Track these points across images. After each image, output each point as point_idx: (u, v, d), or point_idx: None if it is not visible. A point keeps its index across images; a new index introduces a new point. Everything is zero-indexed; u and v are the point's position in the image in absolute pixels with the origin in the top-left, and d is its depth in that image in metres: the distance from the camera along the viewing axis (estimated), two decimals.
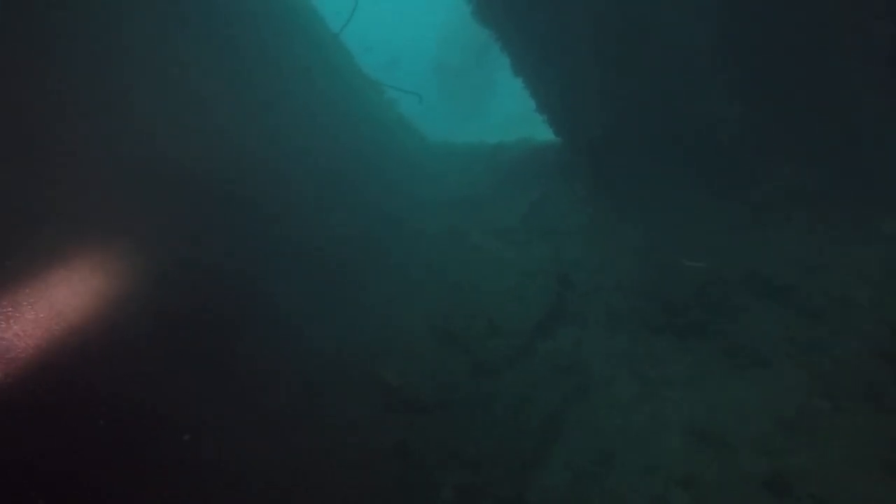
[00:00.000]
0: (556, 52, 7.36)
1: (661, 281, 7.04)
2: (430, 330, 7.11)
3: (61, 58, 4.87)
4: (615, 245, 7.70)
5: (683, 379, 6.29)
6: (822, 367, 5.89)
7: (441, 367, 6.67)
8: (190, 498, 4.57)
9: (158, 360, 4.67)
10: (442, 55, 24.41)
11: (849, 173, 6.78)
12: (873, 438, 5.23)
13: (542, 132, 9.93)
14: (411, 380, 6.43)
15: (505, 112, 23.36)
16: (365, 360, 6.48)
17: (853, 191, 6.77)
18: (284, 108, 7.79)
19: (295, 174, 7.29)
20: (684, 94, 6.86)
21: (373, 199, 8.57)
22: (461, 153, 10.65)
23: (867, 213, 6.68)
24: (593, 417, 6.22)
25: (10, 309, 3.95)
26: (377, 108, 10.17)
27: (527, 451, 5.91)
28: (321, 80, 8.73)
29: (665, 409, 6.10)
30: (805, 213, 6.85)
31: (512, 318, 7.22)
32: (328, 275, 6.89)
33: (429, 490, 5.49)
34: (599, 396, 6.39)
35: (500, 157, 10.00)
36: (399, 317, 7.26)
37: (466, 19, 8.62)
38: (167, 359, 4.72)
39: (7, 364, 3.81)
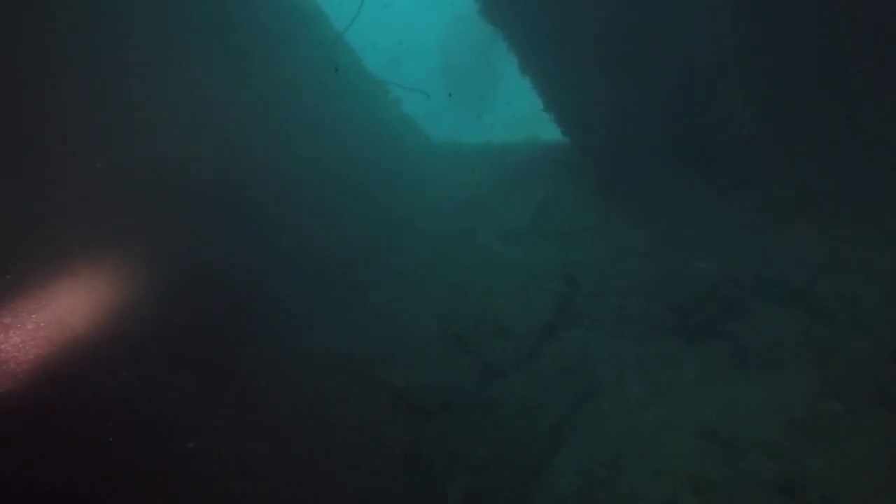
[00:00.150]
0: (563, 50, 7.31)
1: (670, 282, 6.98)
2: (436, 332, 7.08)
3: (69, 67, 4.87)
4: (623, 246, 7.64)
5: (693, 381, 6.24)
6: (834, 368, 5.82)
7: (447, 370, 6.64)
8: (196, 502, 4.56)
9: (163, 365, 4.66)
10: (446, 55, 24.37)
11: (859, 172, 6.70)
12: (886, 440, 5.17)
13: (548, 133, 9.89)
14: (417, 382, 6.40)
15: (510, 112, 23.31)
16: (371, 363, 6.46)
17: (864, 190, 6.69)
18: (288, 108, 7.77)
19: (299, 175, 7.28)
20: (693, 93, 6.80)
21: (378, 200, 8.55)
22: (466, 153, 10.60)
23: (878, 212, 6.60)
24: (602, 420, 6.17)
25: (10, 317, 3.94)
26: (382, 108, 10.14)
27: (535, 455, 5.88)
28: (325, 79, 8.70)
29: (674, 411, 6.05)
30: (815, 212, 6.77)
31: (519, 319, 7.18)
32: (333, 276, 6.87)
33: (436, 494, 5.46)
34: (608, 399, 6.35)
35: (506, 157, 9.95)
36: (405, 319, 7.23)
37: (471, 18, 8.56)
38: (172, 364, 4.71)
39: (9, 371, 3.80)
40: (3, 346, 3.84)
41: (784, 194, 7.05)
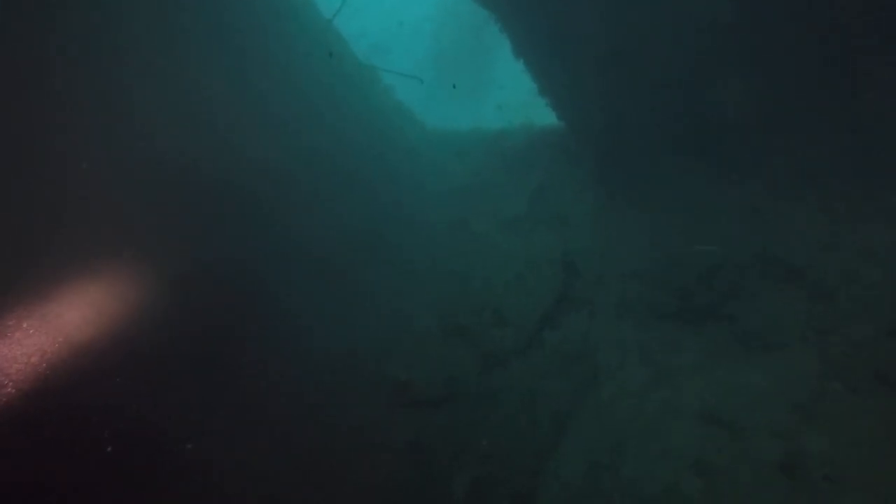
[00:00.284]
0: (558, 32, 7.16)
1: (670, 266, 6.95)
2: (436, 324, 7.04)
3: (69, 75, 4.73)
4: (622, 231, 7.60)
5: (695, 364, 6.24)
6: (835, 348, 5.83)
7: (449, 361, 6.62)
8: (201, 497, 4.54)
9: (162, 365, 4.60)
10: (437, 41, 23.99)
11: (858, 152, 6.65)
12: (887, 419, 5.20)
13: (542, 119, 9.76)
14: (419, 375, 6.38)
15: (503, 98, 23.05)
16: (371, 357, 6.43)
17: (862, 170, 6.65)
18: (279, 99, 7.61)
19: (291, 168, 7.14)
20: (692, 74, 6.69)
21: (374, 191, 8.44)
22: (461, 140, 10.47)
23: (877, 191, 6.57)
24: (604, 406, 6.18)
25: (5, 321, 3.87)
26: (375, 96, 9.97)
27: (538, 443, 5.89)
28: (318, 68, 8.53)
29: (677, 395, 6.06)
30: (814, 193, 6.73)
31: (519, 308, 7.15)
32: (330, 271, 6.80)
33: (441, 486, 5.47)
34: (610, 385, 6.36)
35: (501, 143, 9.83)
36: (405, 311, 7.18)
37: (462, 3, 8.36)
38: (171, 363, 4.65)
39: (5, 374, 3.74)
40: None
41: (783, 175, 7.00)
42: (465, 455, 5.73)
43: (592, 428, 6.06)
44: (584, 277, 7.39)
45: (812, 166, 6.83)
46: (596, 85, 7.46)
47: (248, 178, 6.28)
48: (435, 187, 9.46)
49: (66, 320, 4.14)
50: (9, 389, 3.70)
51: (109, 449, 4.00)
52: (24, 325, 3.93)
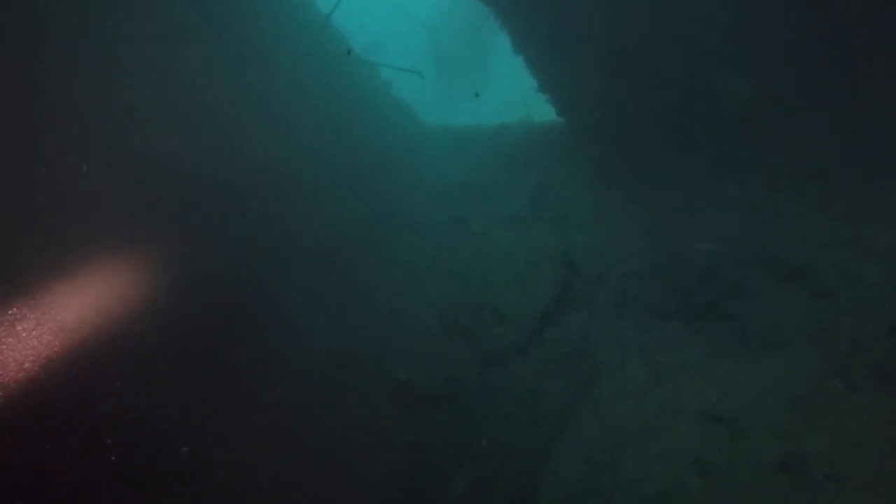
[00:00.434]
0: (558, 29, 7.11)
1: (670, 264, 6.92)
2: (437, 322, 6.99)
3: (66, 66, 4.66)
4: (622, 228, 7.56)
5: (695, 363, 6.22)
6: (836, 347, 5.81)
7: (448, 360, 6.58)
8: (200, 497, 4.49)
9: (160, 364, 4.54)
10: (434, 38, 23.88)
11: (859, 150, 6.62)
12: (888, 418, 5.18)
13: (541, 116, 9.71)
14: (418, 374, 6.33)
15: (501, 97, 23.01)
16: (371, 356, 6.38)
17: (864, 168, 6.62)
18: (278, 96, 7.52)
19: (292, 166, 7.07)
20: (693, 70, 6.65)
21: (372, 188, 8.38)
22: (460, 137, 10.41)
23: (878, 189, 6.55)
24: (604, 405, 6.16)
25: (9, 317, 3.80)
26: (373, 92, 9.89)
27: (538, 442, 5.86)
28: (316, 65, 8.45)
29: (677, 394, 6.04)
30: (817, 190, 6.70)
31: (519, 306, 7.12)
32: (331, 269, 6.74)
33: (441, 485, 5.43)
34: (610, 384, 6.33)
35: (501, 139, 9.77)
36: (405, 310, 7.13)
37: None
38: (169, 363, 4.59)
39: (7, 373, 3.67)
40: None
41: (783, 174, 6.97)
42: (465, 454, 5.69)
43: (592, 427, 6.03)
44: (584, 276, 7.35)
45: (813, 165, 6.80)
46: (596, 82, 7.41)
47: (245, 177, 6.21)
48: (434, 185, 9.41)
49: (64, 320, 4.08)
50: (6, 390, 3.64)
51: (108, 448, 3.95)
52: (19, 328, 3.87)
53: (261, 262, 5.88)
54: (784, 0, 5.94)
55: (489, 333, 6.80)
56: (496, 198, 8.80)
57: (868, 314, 5.92)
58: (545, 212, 8.23)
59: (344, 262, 6.94)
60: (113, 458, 3.95)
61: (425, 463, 5.57)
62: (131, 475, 4.10)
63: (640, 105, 7.34)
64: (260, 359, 5.35)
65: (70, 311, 4.15)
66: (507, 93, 22.82)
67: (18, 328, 3.87)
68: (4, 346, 3.75)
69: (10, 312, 3.86)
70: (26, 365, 3.79)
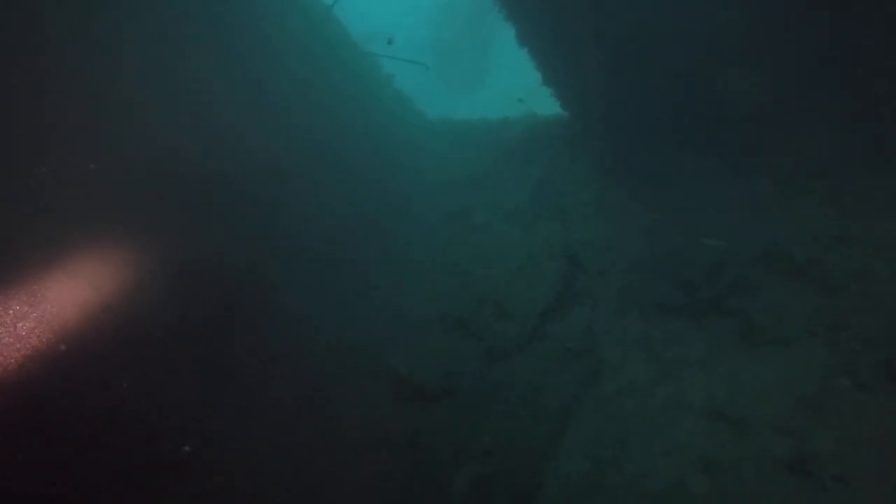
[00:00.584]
0: (562, 21, 6.98)
1: (675, 259, 6.83)
2: (438, 316, 6.91)
3: (57, 50, 4.54)
4: (626, 223, 7.46)
5: (700, 359, 6.14)
6: (844, 344, 5.73)
7: (450, 355, 6.50)
8: (200, 495, 4.42)
9: (162, 360, 4.46)
10: (435, 30, 23.67)
11: (867, 144, 6.52)
12: None
13: (544, 110, 9.58)
14: (419, 368, 6.25)
15: (503, 90, 22.86)
16: (371, 351, 6.30)
17: (873, 163, 6.52)
18: (279, 88, 7.39)
19: (292, 159, 6.95)
20: (700, 64, 6.53)
21: (373, 181, 8.27)
22: (463, 130, 10.28)
23: (887, 184, 6.45)
24: (608, 401, 6.08)
25: (10, 316, 3.71)
26: (376, 84, 9.75)
27: (541, 439, 5.78)
28: (317, 57, 8.31)
29: (682, 390, 5.96)
30: (823, 185, 6.60)
31: (521, 301, 7.03)
32: (331, 262, 6.64)
33: (442, 482, 5.36)
34: (613, 380, 6.25)
35: (504, 133, 9.64)
36: (406, 303, 7.05)
37: None
38: (167, 359, 4.51)
39: (7, 373, 3.58)
40: None
41: (790, 169, 6.86)
42: (466, 451, 5.62)
43: (595, 423, 5.95)
44: (587, 270, 7.25)
45: (820, 160, 6.69)
46: (600, 77, 7.29)
47: (245, 170, 6.11)
48: (437, 177, 9.30)
49: (63, 315, 3.99)
50: (6, 390, 3.55)
51: (107, 446, 3.87)
52: (20, 326, 3.78)
53: (260, 256, 5.78)
54: None
55: (491, 328, 6.71)
56: (499, 191, 8.70)
57: (876, 311, 5.83)
58: (548, 205, 8.12)
59: (344, 255, 6.84)
60: (110, 453, 3.88)
61: (426, 460, 5.50)
62: (130, 471, 4.03)
63: (645, 101, 7.23)
64: (259, 353, 5.26)
65: (70, 307, 4.06)
66: (508, 87, 22.70)
67: (19, 326, 3.78)
68: (4, 346, 3.66)
69: (10, 312, 3.77)
70: (26, 364, 3.70)
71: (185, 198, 5.23)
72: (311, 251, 6.44)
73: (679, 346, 6.32)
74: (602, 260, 7.32)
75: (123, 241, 4.62)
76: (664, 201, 7.35)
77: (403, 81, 10.68)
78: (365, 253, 7.19)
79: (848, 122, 6.51)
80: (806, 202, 6.62)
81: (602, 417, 5.96)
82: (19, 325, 3.76)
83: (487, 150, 9.57)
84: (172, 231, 5.00)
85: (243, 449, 4.68)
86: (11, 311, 3.76)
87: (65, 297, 4.04)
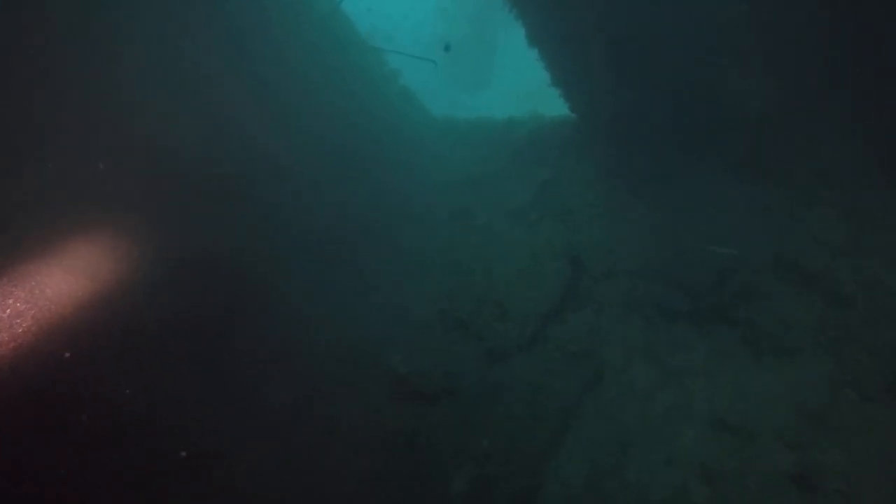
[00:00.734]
0: (573, 20, 6.89)
1: (681, 265, 6.75)
2: (439, 316, 6.84)
3: (59, 43, 4.48)
4: (631, 227, 7.38)
5: (704, 367, 6.08)
6: (851, 355, 5.67)
7: (450, 355, 6.43)
8: (197, 495, 4.37)
9: (160, 357, 4.40)
10: (440, 27, 23.52)
11: (880, 153, 6.44)
12: None
13: (550, 109, 9.49)
14: (419, 369, 6.19)
15: (508, 88, 22.74)
16: (371, 350, 6.23)
17: (884, 172, 6.44)
18: (283, 85, 7.30)
19: (295, 156, 6.87)
20: (711, 68, 6.44)
21: (376, 179, 8.19)
22: (468, 129, 10.19)
23: None
24: (609, 406, 6.02)
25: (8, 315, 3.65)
26: (381, 81, 9.66)
27: (541, 442, 5.73)
28: (321, 52, 8.22)
29: (685, 398, 5.90)
30: (834, 195, 6.52)
31: (523, 302, 6.96)
32: (333, 261, 6.57)
33: (441, 484, 5.31)
34: (616, 385, 6.18)
35: (510, 133, 9.55)
36: (407, 303, 6.98)
37: None
38: (165, 357, 4.45)
39: (7, 372, 3.52)
40: None
41: (800, 176, 6.78)
42: (465, 452, 5.57)
43: (596, 428, 5.90)
44: (591, 272, 7.18)
45: (833, 168, 6.61)
46: (608, 79, 7.21)
47: (247, 167, 6.03)
48: (441, 176, 9.22)
49: (61, 313, 3.93)
50: (6, 389, 3.49)
51: (106, 444, 3.82)
52: (17, 323, 3.72)
53: (261, 253, 5.72)
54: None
55: (492, 328, 6.65)
56: (503, 191, 8.62)
57: (885, 323, 5.77)
58: (553, 206, 8.05)
59: (346, 253, 6.77)
60: (108, 452, 3.83)
61: (425, 461, 5.45)
62: (130, 471, 3.98)
63: (654, 103, 7.14)
64: (258, 352, 5.20)
65: (70, 305, 4.00)
66: (513, 86, 22.59)
67: (18, 323, 3.72)
68: (1, 344, 3.60)
69: (7, 310, 3.71)
70: (23, 363, 3.64)
71: (185, 196, 5.16)
72: (312, 250, 6.37)
73: (683, 353, 6.25)
74: (606, 262, 7.25)
75: (123, 239, 4.56)
76: (671, 205, 7.27)
77: (408, 78, 10.59)
78: (366, 251, 7.12)
79: (862, 130, 6.43)
80: (817, 211, 6.54)
81: (603, 422, 5.91)
82: (16, 322, 3.70)
83: (493, 149, 9.49)
84: (172, 229, 4.94)
85: (243, 449, 4.63)
86: (9, 309, 3.70)
87: (64, 295, 3.98)
